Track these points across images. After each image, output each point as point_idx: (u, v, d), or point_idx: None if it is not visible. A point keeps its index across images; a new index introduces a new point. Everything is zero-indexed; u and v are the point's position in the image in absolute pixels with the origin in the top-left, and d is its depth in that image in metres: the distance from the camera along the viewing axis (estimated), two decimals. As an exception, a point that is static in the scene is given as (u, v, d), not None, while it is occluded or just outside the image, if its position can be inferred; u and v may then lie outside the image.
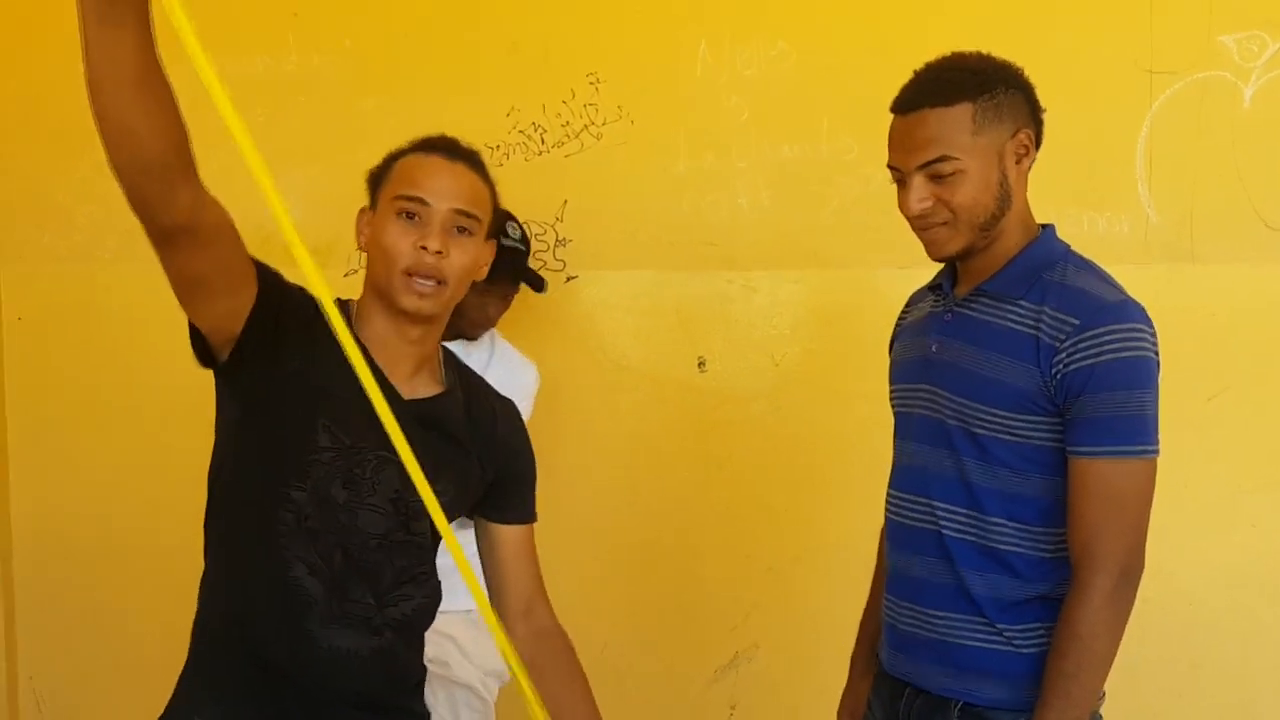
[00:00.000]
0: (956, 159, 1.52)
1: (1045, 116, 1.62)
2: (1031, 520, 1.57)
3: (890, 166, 1.61)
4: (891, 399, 1.78)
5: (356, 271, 2.71)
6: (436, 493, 1.35)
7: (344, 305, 1.53)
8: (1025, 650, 1.57)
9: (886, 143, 1.62)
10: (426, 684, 2.42)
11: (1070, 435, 1.51)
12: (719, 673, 2.72)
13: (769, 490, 2.69)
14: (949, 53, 1.61)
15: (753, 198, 2.62)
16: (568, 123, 2.68)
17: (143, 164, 1.29)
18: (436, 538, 1.55)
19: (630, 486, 2.74)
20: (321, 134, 2.73)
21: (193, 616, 1.54)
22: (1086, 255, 1.62)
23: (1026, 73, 1.61)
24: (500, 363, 2.47)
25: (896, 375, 1.77)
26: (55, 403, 2.90)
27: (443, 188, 1.49)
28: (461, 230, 1.49)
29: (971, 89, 1.53)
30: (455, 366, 1.62)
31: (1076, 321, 1.49)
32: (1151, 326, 1.54)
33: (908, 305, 1.85)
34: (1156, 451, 1.53)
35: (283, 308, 1.43)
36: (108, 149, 1.29)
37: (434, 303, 1.48)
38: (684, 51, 2.62)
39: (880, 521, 1.96)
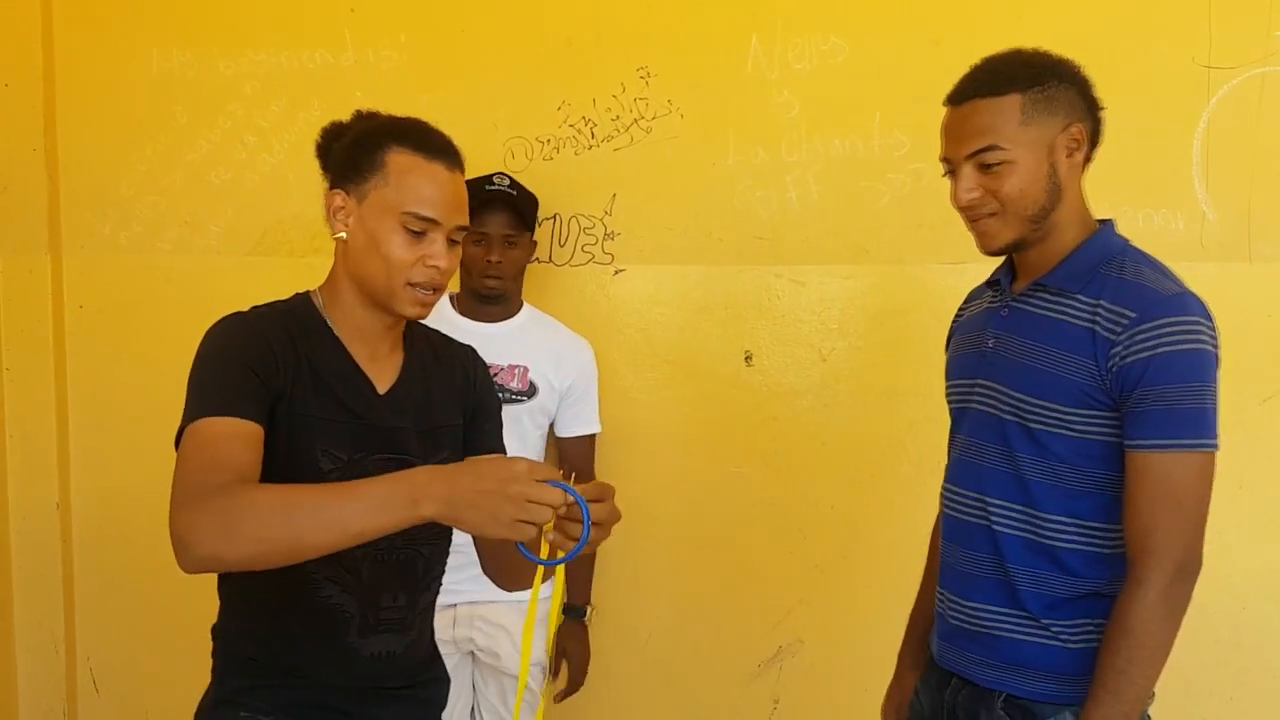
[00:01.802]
0: (1004, 149, 1.54)
1: (1101, 113, 1.62)
2: (1088, 516, 1.56)
3: (942, 159, 1.63)
4: (947, 394, 1.78)
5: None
6: (442, 461, 1.43)
7: (306, 299, 1.54)
8: (1072, 646, 1.57)
9: (939, 137, 1.63)
10: (478, 673, 2.46)
11: (1127, 429, 1.50)
12: (762, 667, 2.73)
13: (816, 486, 2.69)
14: (1008, 49, 1.62)
15: (802, 192, 2.62)
16: (618, 117, 2.69)
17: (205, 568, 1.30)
18: None
19: (676, 481, 2.75)
20: (376, 128, 2.76)
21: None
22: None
23: (1084, 68, 1.61)
24: (558, 340, 2.51)
25: (953, 371, 1.77)
26: (116, 390, 2.96)
27: (450, 205, 1.48)
28: (454, 242, 1.50)
29: (1022, 80, 1.55)
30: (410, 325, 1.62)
31: (1133, 314, 1.49)
32: (1211, 320, 1.53)
33: (966, 302, 1.86)
34: (1216, 446, 1.51)
35: (268, 382, 1.42)
36: (179, 553, 1.28)
37: (431, 308, 1.51)
38: (735, 45, 2.62)
39: (929, 518, 1.96)
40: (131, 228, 2.93)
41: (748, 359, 2.70)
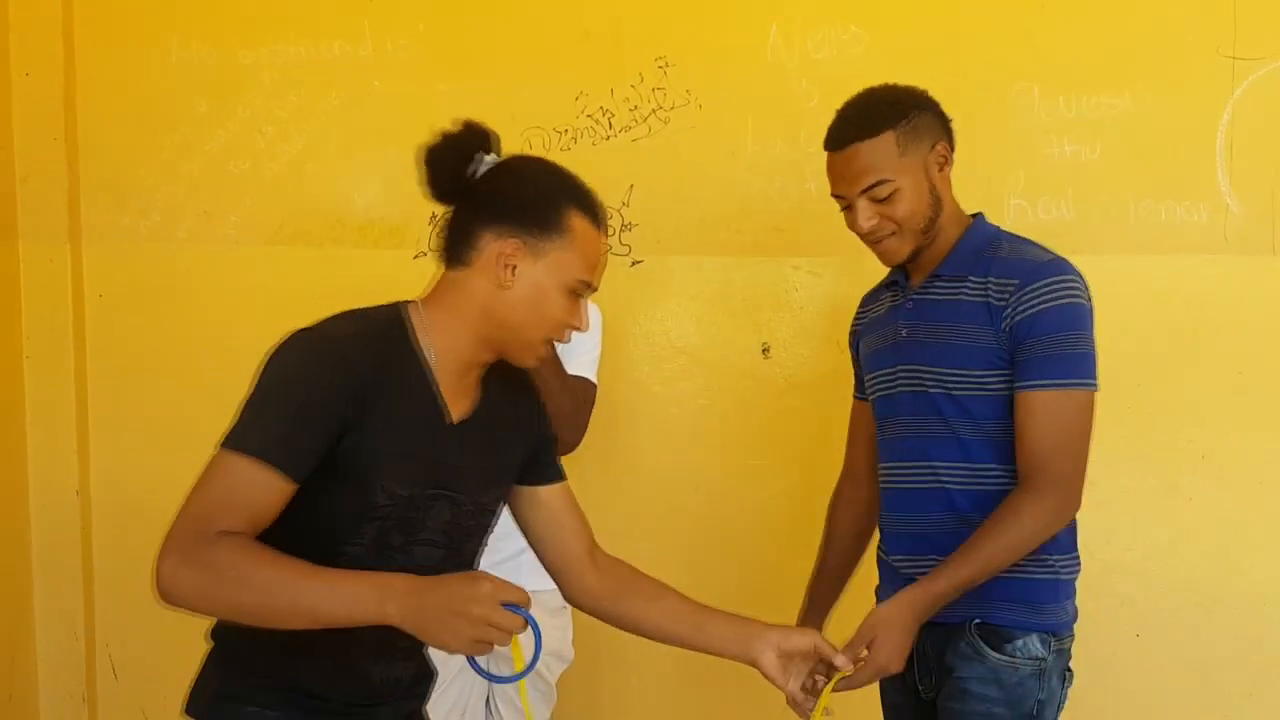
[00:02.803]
0: (890, 180, 1.75)
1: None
2: (1012, 460, 1.75)
3: (835, 195, 1.83)
4: (869, 387, 1.94)
5: (426, 254, 2.75)
6: (487, 503, 1.49)
7: (399, 316, 1.47)
8: (1037, 576, 1.75)
9: (828, 176, 1.83)
10: (492, 663, 2.45)
11: (1018, 374, 1.71)
12: (779, 659, 2.72)
13: (834, 478, 2.67)
14: (863, 90, 1.85)
15: (821, 184, 2.55)
16: (635, 107, 2.68)
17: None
18: (483, 543, 1.58)
19: (693, 473, 2.74)
20: (395, 118, 2.76)
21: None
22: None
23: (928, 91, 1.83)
24: None
25: (871, 364, 1.94)
26: (135, 378, 2.98)
27: (602, 271, 1.53)
28: None
29: (890, 117, 1.77)
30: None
31: (1016, 281, 1.72)
32: (1082, 278, 1.74)
33: (862, 307, 2.05)
34: (1095, 386, 1.72)
35: (340, 415, 1.37)
36: (157, 587, 1.34)
37: None
38: (754, 35, 2.61)
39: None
40: (151, 217, 2.94)
41: (765, 351, 2.69)
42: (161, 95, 2.90)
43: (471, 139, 1.49)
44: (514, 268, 1.44)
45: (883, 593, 1.95)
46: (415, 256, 2.76)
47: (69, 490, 3.01)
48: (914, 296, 1.86)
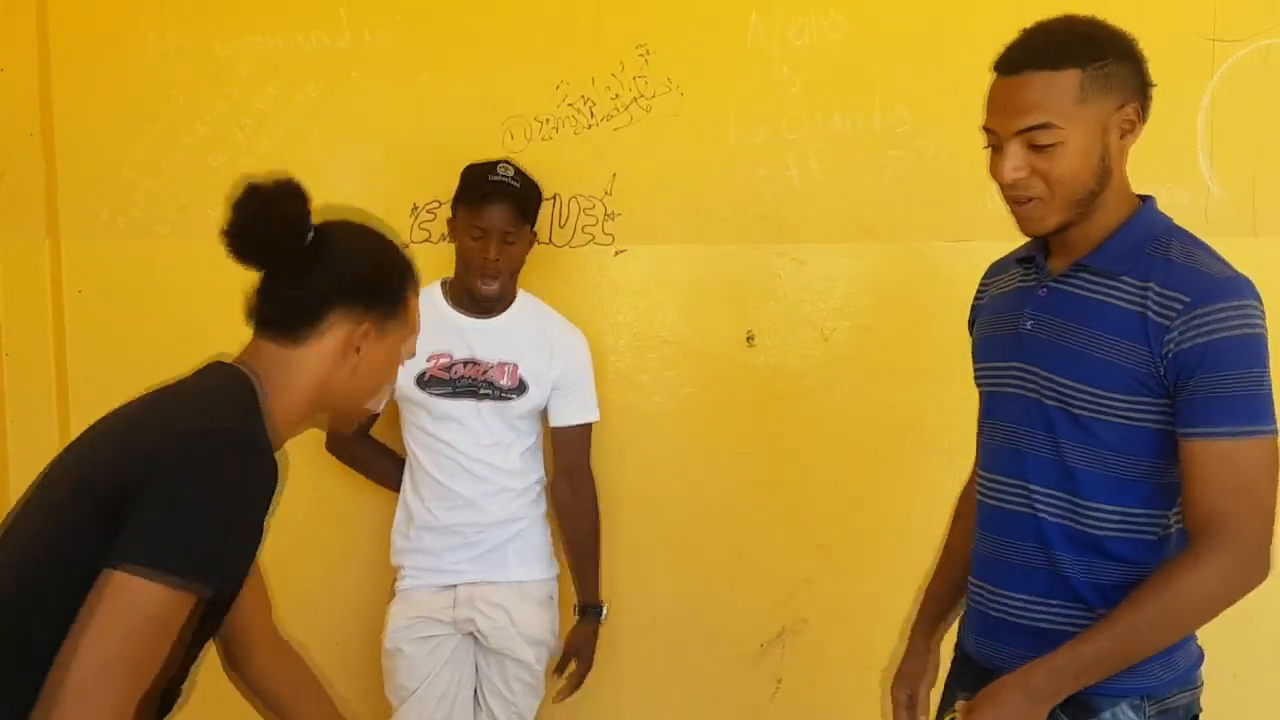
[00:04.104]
0: (1059, 128, 1.45)
1: (1151, 89, 1.55)
2: (1134, 504, 1.51)
3: (986, 129, 1.54)
4: (977, 377, 1.70)
5: (407, 247, 2.72)
6: None
7: (255, 400, 1.36)
8: None
9: (986, 104, 1.53)
10: (480, 654, 2.45)
11: (1184, 416, 1.44)
12: (766, 647, 2.73)
13: (818, 466, 2.68)
14: (1060, 15, 1.53)
15: (803, 170, 2.60)
16: (617, 95, 2.67)
17: None
18: None
19: (678, 462, 2.74)
20: (375, 109, 2.75)
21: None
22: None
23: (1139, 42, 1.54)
24: (550, 331, 2.49)
25: (983, 352, 1.69)
26: (115, 375, 2.94)
27: None
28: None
29: (1082, 55, 1.46)
30: None
31: (1187, 299, 1.43)
32: (1261, 302, 1.47)
33: (987, 278, 1.77)
34: (1275, 431, 1.44)
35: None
36: None
37: None
38: (734, 22, 2.60)
39: (933, 497, 1.95)
40: (130, 212, 2.91)
41: (750, 339, 2.69)
42: (139, 88, 2.87)
43: (296, 199, 1.37)
44: (360, 343, 1.41)
45: (963, 624, 1.74)
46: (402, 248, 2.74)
47: (51, 488, 2.99)
48: (1050, 283, 1.57)
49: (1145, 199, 1.57)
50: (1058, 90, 1.45)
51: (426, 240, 2.72)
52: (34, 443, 2.96)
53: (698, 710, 2.78)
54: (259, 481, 1.22)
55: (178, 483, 1.16)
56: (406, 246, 1.55)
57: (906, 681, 1.85)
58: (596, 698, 2.74)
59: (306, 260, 1.37)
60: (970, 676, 1.67)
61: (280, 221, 1.34)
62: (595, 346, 2.62)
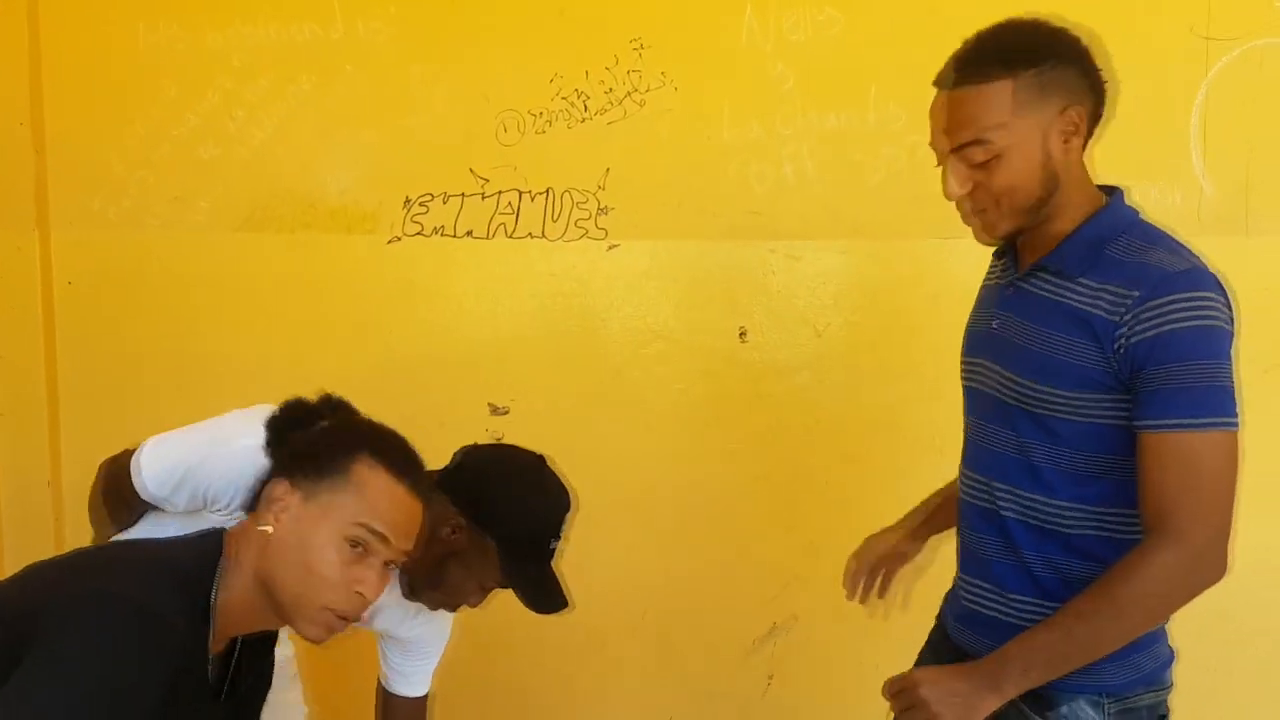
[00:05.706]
0: (992, 142, 1.44)
1: (1105, 85, 1.54)
2: (1096, 501, 1.50)
3: (931, 146, 1.54)
4: (960, 371, 1.70)
5: (400, 240, 2.72)
6: None
7: (214, 571, 1.30)
8: None
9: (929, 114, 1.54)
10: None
11: (1138, 409, 1.42)
12: (757, 643, 2.73)
13: (810, 462, 2.68)
14: (1003, 20, 1.51)
15: (797, 167, 2.60)
16: (611, 89, 2.66)
17: None
18: None
19: (671, 457, 2.74)
20: (367, 101, 2.74)
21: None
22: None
23: (1086, 38, 1.52)
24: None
25: (964, 347, 1.69)
26: (105, 367, 2.94)
27: (403, 528, 1.34)
28: (390, 565, 1.35)
29: (1013, 63, 1.44)
30: None
31: (1136, 293, 1.41)
32: (1225, 296, 1.45)
33: (990, 267, 1.75)
34: (1235, 425, 1.42)
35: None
36: None
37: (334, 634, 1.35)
38: (729, 17, 2.60)
39: (923, 494, 1.96)
40: (120, 203, 2.90)
41: (742, 335, 2.69)
42: (129, 79, 2.86)
43: (321, 410, 1.40)
44: (280, 515, 1.30)
45: (945, 601, 1.76)
46: (389, 241, 2.73)
47: (40, 481, 2.97)
48: (1016, 282, 1.57)
49: (1112, 195, 1.55)
50: (988, 103, 1.44)
51: (419, 234, 2.72)
52: (23, 433, 2.95)
53: (689, 707, 2.78)
54: (126, 649, 1.16)
55: (52, 643, 1.15)
56: None
57: (876, 550, 1.90)
58: (587, 694, 2.74)
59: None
60: (948, 654, 1.67)
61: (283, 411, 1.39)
62: (588, 341, 2.61)
